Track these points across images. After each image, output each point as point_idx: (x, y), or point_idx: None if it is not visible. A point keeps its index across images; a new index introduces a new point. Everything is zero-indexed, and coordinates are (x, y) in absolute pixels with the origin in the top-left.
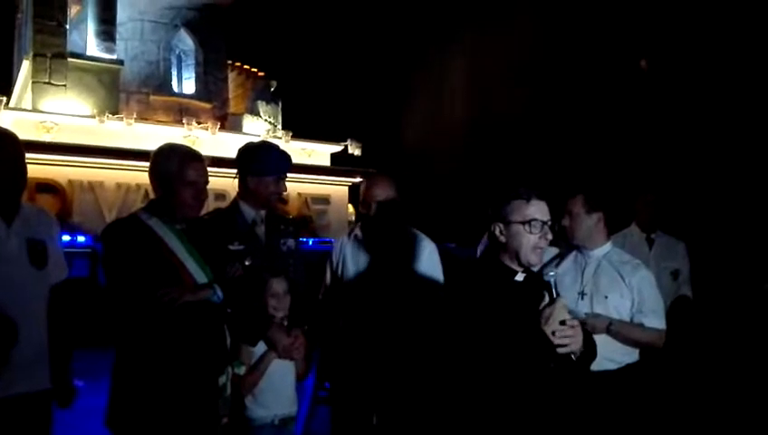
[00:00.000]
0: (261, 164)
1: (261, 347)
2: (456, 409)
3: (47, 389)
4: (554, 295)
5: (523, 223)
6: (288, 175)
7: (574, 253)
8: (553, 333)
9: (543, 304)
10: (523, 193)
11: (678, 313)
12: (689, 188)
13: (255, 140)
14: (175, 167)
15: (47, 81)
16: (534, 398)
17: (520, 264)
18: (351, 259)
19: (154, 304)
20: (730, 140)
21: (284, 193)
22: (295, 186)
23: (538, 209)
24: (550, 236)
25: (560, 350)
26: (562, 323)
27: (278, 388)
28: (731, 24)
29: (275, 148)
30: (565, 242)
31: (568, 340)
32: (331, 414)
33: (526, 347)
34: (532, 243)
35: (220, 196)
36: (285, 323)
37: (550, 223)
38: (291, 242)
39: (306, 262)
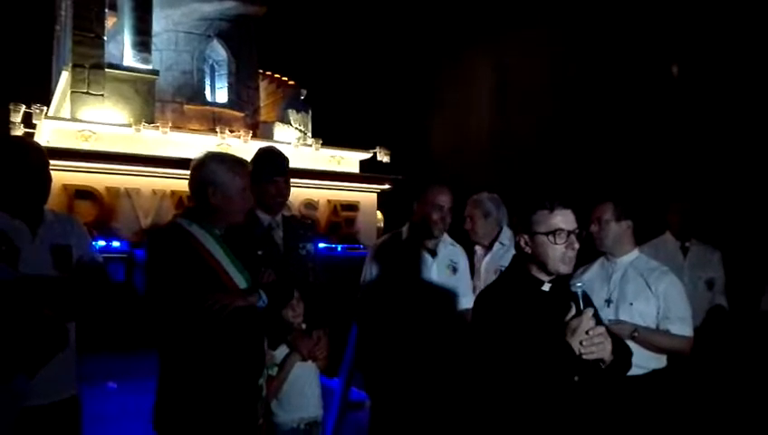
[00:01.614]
0: (257, 171)
1: (281, 351)
2: (482, 418)
3: (74, 395)
4: (581, 307)
5: (548, 234)
6: (318, 182)
7: (601, 260)
8: (581, 342)
9: (570, 315)
10: (547, 203)
11: (714, 323)
12: (724, 195)
13: (286, 147)
14: (226, 176)
15: (86, 90)
16: (557, 411)
17: (548, 273)
18: (406, 263)
19: (203, 311)
20: (764, 145)
21: (288, 196)
22: (325, 193)
23: (563, 219)
24: (577, 245)
25: (587, 356)
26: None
27: (303, 392)
28: (761, 26)
29: (268, 153)
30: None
31: (595, 347)
32: (371, 422)
33: (550, 359)
34: (559, 253)
35: None
36: (304, 326)
37: (577, 231)
38: (309, 246)
39: (328, 265)
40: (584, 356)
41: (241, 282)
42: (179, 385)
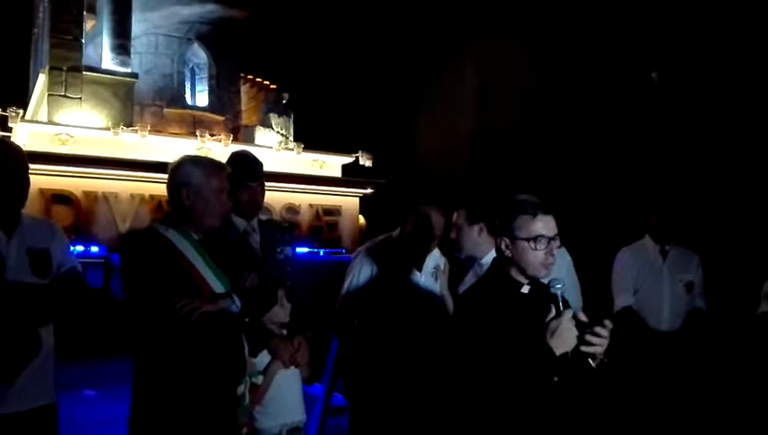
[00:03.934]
0: (230, 177)
1: (263, 358)
2: (460, 420)
3: (52, 403)
4: (560, 308)
5: (529, 239)
6: (299, 186)
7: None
8: (589, 332)
9: (550, 316)
10: (529, 208)
11: (693, 325)
12: (703, 199)
13: (268, 151)
14: (200, 177)
15: (63, 94)
16: (536, 411)
17: (526, 276)
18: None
19: (172, 315)
20: (743, 150)
21: (262, 201)
22: (306, 197)
23: (544, 225)
24: (556, 251)
25: (583, 348)
26: (596, 324)
27: (285, 397)
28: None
29: (241, 158)
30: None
31: (597, 340)
32: (350, 427)
33: (529, 360)
34: (540, 259)
35: None
36: (285, 332)
37: (557, 237)
38: (287, 250)
39: (309, 269)
40: (581, 348)
41: (218, 287)
42: (153, 392)
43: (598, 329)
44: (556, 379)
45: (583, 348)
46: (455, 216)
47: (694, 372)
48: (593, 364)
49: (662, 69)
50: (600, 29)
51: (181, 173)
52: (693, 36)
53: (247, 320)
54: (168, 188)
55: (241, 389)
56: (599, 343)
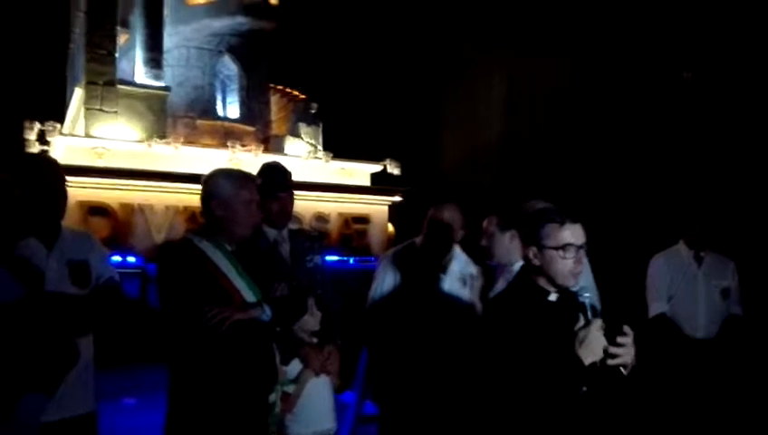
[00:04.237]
0: (260, 187)
1: (294, 366)
2: (487, 428)
3: (92, 411)
4: (589, 318)
5: (557, 248)
6: (329, 195)
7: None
8: (612, 342)
9: (578, 326)
10: (557, 217)
11: (730, 332)
12: (739, 204)
13: (297, 161)
14: (230, 189)
15: (99, 107)
16: (563, 421)
17: (555, 285)
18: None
19: (205, 324)
20: None
21: (291, 211)
22: (336, 205)
23: (572, 233)
24: (585, 259)
25: (610, 362)
26: (617, 333)
27: (316, 405)
28: None
29: (270, 168)
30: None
31: (622, 350)
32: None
33: (557, 370)
34: (568, 268)
35: None
36: (315, 341)
37: (585, 246)
38: (317, 258)
39: (339, 277)
40: (609, 362)
41: (249, 296)
42: (187, 399)
43: (620, 339)
44: (585, 389)
45: (610, 362)
46: (485, 222)
47: (730, 381)
48: (624, 372)
49: (695, 69)
50: (631, 31)
51: (212, 185)
52: (727, 35)
53: (278, 329)
54: (201, 200)
55: (273, 397)
56: (624, 353)
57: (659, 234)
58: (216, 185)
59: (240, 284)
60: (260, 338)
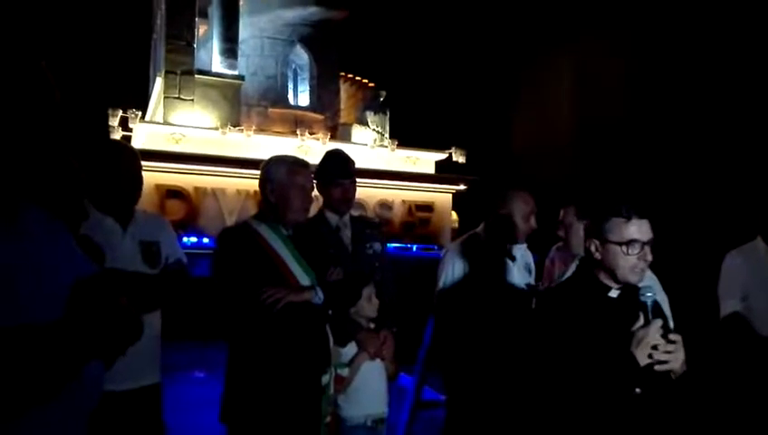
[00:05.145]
0: (323, 174)
1: (351, 349)
2: (540, 422)
3: (157, 383)
4: (649, 318)
5: (621, 244)
6: (393, 183)
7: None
8: (655, 347)
9: (637, 325)
10: (624, 211)
11: None
12: None
13: (363, 149)
14: (284, 175)
15: (177, 96)
16: (615, 423)
17: (615, 281)
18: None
19: (260, 304)
20: None
21: (353, 197)
22: (400, 193)
23: (638, 229)
24: (650, 257)
25: (658, 368)
26: (663, 337)
27: (370, 388)
28: None
29: (333, 156)
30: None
31: (668, 356)
32: (447, 420)
33: (612, 369)
34: (631, 264)
35: None
36: (372, 326)
37: (651, 242)
38: (377, 245)
39: (400, 265)
40: (655, 367)
41: (304, 280)
42: (242, 376)
43: (666, 346)
44: (638, 390)
45: (657, 368)
46: (561, 213)
47: None
48: (673, 376)
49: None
50: (702, 17)
51: (268, 171)
52: None
53: (330, 312)
54: (259, 185)
55: (326, 378)
56: (671, 359)
57: (736, 229)
58: (270, 171)
59: (294, 267)
60: (312, 320)
